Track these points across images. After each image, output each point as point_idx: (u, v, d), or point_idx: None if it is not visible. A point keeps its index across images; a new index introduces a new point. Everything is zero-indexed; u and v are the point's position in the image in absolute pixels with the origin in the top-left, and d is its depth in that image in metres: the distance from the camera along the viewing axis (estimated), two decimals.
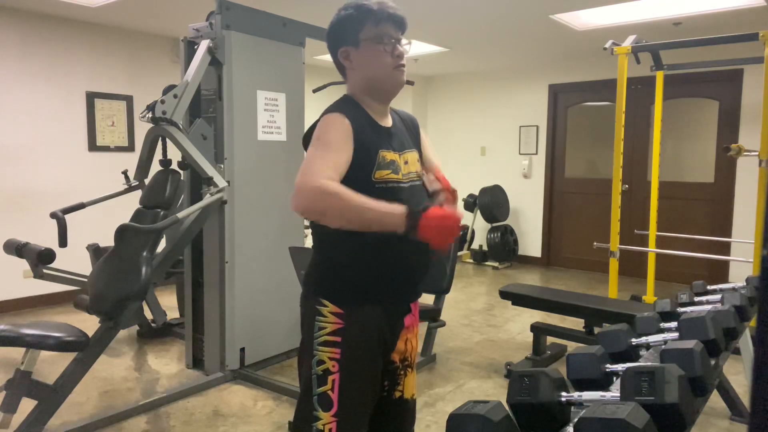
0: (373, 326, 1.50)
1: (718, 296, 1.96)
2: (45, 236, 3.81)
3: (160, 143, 3.26)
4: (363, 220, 1.33)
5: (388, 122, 1.58)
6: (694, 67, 4.92)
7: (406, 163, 1.55)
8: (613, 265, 4.32)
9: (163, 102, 2.96)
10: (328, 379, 1.46)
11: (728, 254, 5.56)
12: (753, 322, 1.13)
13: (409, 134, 1.63)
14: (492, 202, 6.92)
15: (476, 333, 4.37)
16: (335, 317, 1.48)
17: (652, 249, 4.78)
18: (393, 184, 1.49)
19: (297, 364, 1.59)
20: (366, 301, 1.50)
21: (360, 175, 1.43)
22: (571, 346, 3.71)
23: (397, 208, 1.32)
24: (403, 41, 1.54)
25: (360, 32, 1.49)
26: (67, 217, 3.31)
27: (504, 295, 3.80)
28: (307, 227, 4.82)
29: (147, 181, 3.41)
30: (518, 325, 4.55)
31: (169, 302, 4.53)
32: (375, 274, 1.50)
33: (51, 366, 3.31)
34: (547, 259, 7.08)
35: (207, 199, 2.99)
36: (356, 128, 1.45)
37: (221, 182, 3.05)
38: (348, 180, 1.38)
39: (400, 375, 1.62)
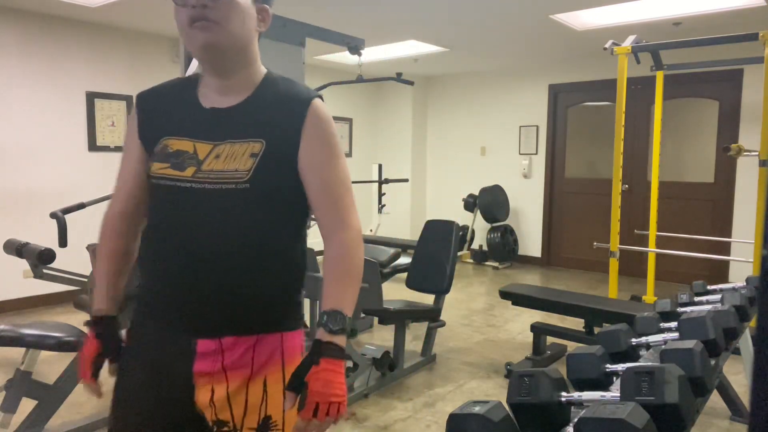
0: (142, 350, 1.23)
1: (718, 296, 1.97)
2: (45, 236, 3.80)
3: None
4: (94, 284, 1.29)
5: (222, 102, 1.19)
6: (694, 67, 4.92)
7: (217, 157, 1.14)
8: (613, 265, 4.32)
9: None
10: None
11: (728, 254, 5.56)
12: (753, 322, 1.13)
13: (264, 117, 1.18)
14: (492, 202, 6.92)
15: (476, 333, 4.37)
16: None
17: (652, 249, 4.78)
18: (167, 182, 1.15)
19: None
20: (138, 318, 1.29)
21: (146, 168, 1.21)
22: (571, 346, 3.71)
23: (100, 308, 1.29)
24: None
25: None
26: (67, 217, 3.31)
27: (504, 295, 3.80)
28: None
29: None
30: (518, 325, 4.55)
31: None
32: (146, 289, 1.29)
33: (51, 366, 3.31)
34: (547, 259, 7.08)
35: None
36: (147, 115, 1.25)
37: None
38: (139, 176, 1.24)
39: None
